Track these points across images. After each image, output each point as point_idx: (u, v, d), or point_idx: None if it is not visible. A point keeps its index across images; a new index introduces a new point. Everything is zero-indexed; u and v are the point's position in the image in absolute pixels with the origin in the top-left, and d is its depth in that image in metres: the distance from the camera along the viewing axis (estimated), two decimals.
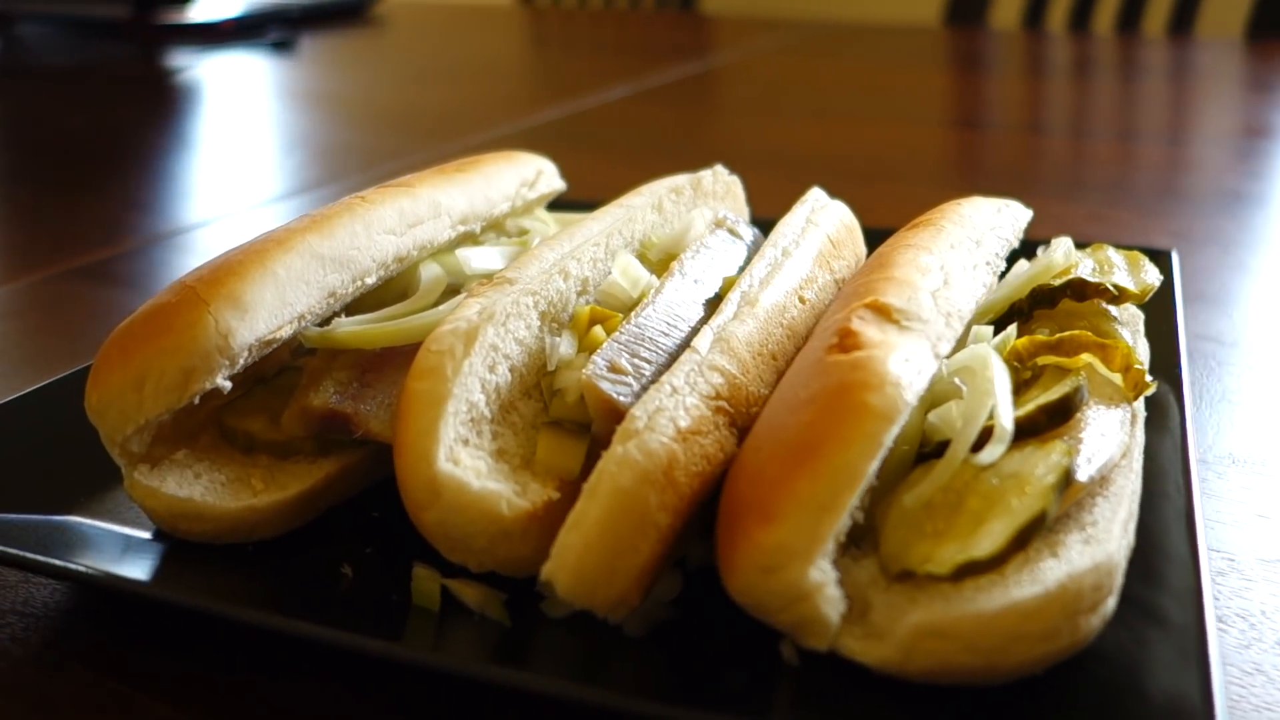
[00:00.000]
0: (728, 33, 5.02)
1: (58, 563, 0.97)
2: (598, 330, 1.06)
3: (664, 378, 0.98)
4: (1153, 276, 1.22)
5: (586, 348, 1.06)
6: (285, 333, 1.08)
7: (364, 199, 1.22)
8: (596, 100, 3.34)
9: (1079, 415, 0.97)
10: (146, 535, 1.09)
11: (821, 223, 1.29)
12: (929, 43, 4.63)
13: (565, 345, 1.05)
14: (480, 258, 1.27)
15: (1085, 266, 1.21)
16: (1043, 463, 0.88)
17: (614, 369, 1.01)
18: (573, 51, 4.80)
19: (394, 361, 1.15)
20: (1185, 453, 1.08)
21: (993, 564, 0.82)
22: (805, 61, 4.17)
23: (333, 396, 1.09)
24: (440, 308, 1.18)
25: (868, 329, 0.92)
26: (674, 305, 1.12)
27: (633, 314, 1.08)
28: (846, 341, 0.91)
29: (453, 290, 1.25)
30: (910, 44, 4.55)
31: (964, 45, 4.54)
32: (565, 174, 1.64)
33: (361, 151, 2.83)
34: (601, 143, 2.96)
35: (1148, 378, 1.05)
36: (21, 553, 0.98)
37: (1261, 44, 4.02)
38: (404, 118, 3.30)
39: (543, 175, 1.50)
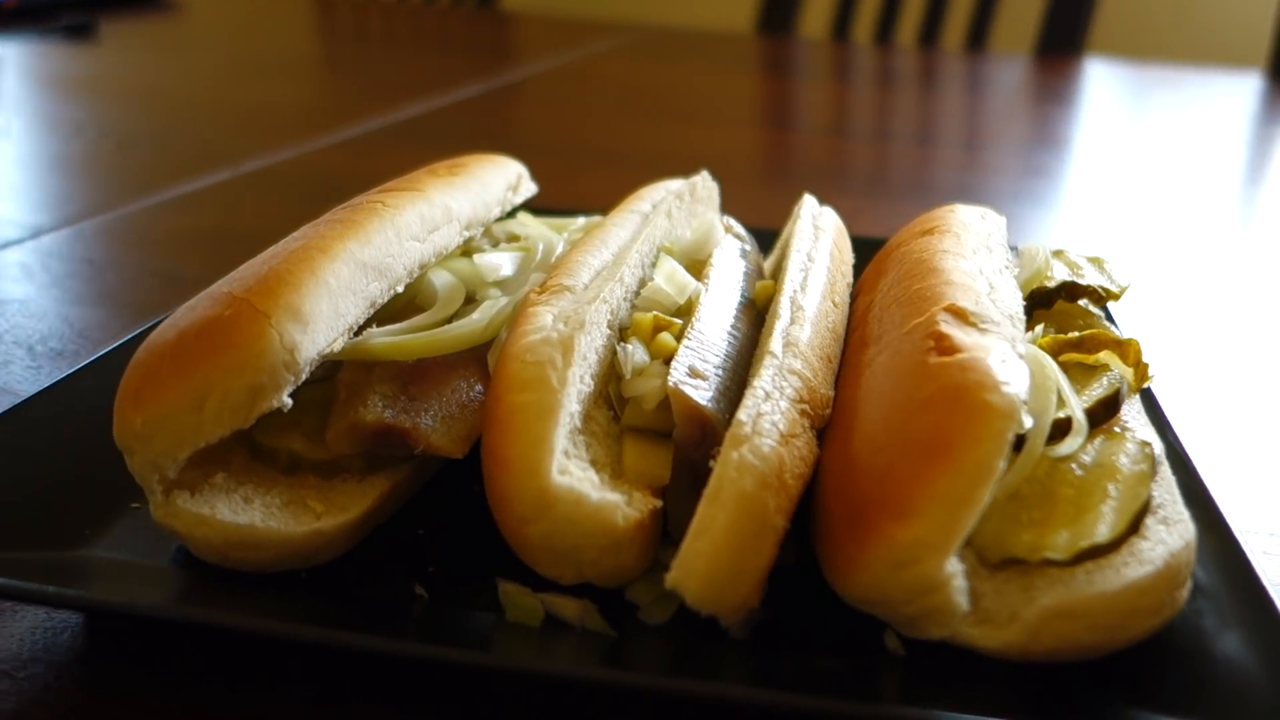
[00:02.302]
0: (544, 34, 5.02)
1: (152, 603, 0.90)
2: (665, 337, 1.07)
3: (755, 382, 1.00)
4: (1123, 276, 1.33)
5: (656, 355, 1.06)
6: (338, 345, 1.03)
7: (384, 203, 1.17)
8: (445, 99, 3.28)
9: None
10: (178, 566, 1.02)
11: (825, 228, 1.34)
12: (744, 49, 4.79)
13: (640, 353, 1.05)
14: (497, 265, 1.24)
15: (1060, 270, 1.31)
16: (1122, 452, 0.96)
17: (694, 374, 1.02)
18: (386, 47, 4.67)
19: (432, 372, 1.12)
20: (1173, 435, 1.18)
21: (1111, 548, 0.88)
22: (635, 64, 4.24)
23: (385, 411, 1.05)
24: (474, 316, 1.15)
25: (955, 332, 0.97)
26: (722, 310, 1.14)
27: (693, 319, 1.09)
28: (943, 345, 0.95)
29: (469, 298, 1.22)
30: (727, 50, 4.69)
31: (776, 53, 4.73)
32: None
33: (212, 150, 2.66)
34: (469, 141, 2.91)
35: (1150, 371, 1.15)
36: (78, 593, 0.91)
37: (1049, 59, 4.39)
38: (245, 114, 3.12)
39: (522, 179, 1.48)
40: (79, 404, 1.19)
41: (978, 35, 4.53)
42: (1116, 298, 1.29)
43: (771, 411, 0.97)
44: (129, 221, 2.10)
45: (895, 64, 4.54)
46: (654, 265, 1.22)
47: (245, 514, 0.98)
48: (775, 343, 1.06)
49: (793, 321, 1.10)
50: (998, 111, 3.96)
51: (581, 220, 1.45)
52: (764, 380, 1.00)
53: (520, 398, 0.94)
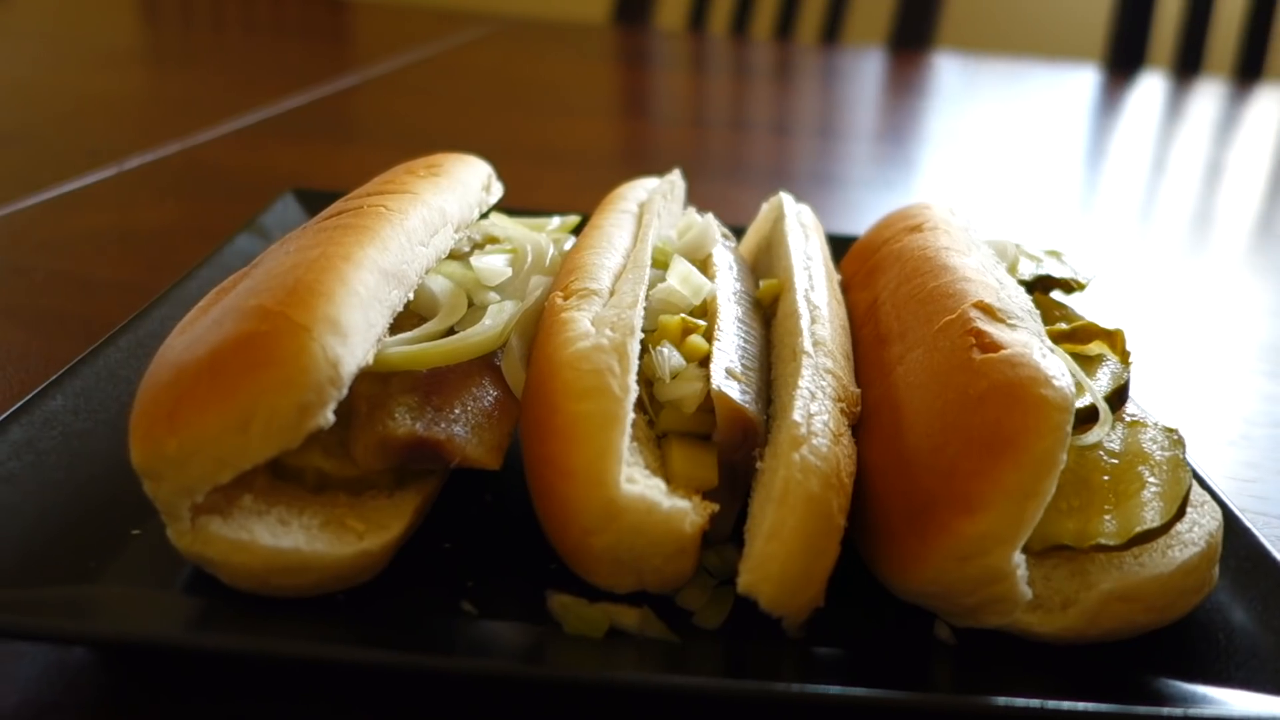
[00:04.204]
0: (402, 24, 4.89)
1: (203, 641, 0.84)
2: (696, 339, 1.06)
3: (799, 382, 1.01)
4: (1083, 268, 1.40)
5: (688, 357, 1.05)
6: (371, 357, 0.99)
7: (387, 207, 1.12)
8: (320, 90, 3.16)
9: None
10: (204, 594, 0.96)
11: (809, 224, 1.36)
12: (602, 41, 4.79)
13: (675, 356, 1.04)
14: (499, 269, 1.21)
15: (1025, 263, 1.37)
16: (1148, 438, 1.01)
17: (731, 376, 1.03)
18: (219, 33, 4.45)
19: (450, 381, 1.08)
20: None
21: (1160, 531, 0.93)
22: (500, 56, 4.18)
23: (415, 424, 1.01)
24: (486, 322, 1.12)
25: (990, 329, 1.00)
26: (739, 310, 1.14)
27: (717, 321, 1.09)
28: (983, 341, 0.98)
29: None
30: (586, 41, 4.68)
31: (634, 44, 4.75)
32: (342, 167, 1.50)
33: (91, 146, 2.47)
34: (354, 134, 2.84)
35: (1131, 359, 1.22)
36: (113, 630, 0.84)
37: (901, 52, 4.56)
38: (114, 107, 2.92)
39: (492, 179, 1.44)
40: (53, 426, 1.11)
41: (832, 29, 4.66)
42: (1083, 288, 1.35)
43: (819, 411, 0.98)
44: (19, 223, 1.94)
45: (751, 56, 4.63)
46: (653, 266, 1.21)
47: (286, 537, 0.93)
48: (805, 341, 1.07)
49: (813, 320, 1.12)
50: (853, 102, 4.10)
51: (556, 220, 1.43)
52: (805, 380, 1.01)
53: (582, 407, 0.92)
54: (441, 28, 4.51)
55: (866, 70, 4.49)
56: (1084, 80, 4.36)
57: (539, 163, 2.61)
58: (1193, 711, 0.84)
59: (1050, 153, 3.28)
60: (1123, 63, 4.40)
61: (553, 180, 2.47)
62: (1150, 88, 4.26)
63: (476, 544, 1.07)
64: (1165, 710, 0.84)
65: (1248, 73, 4.39)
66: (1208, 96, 4.17)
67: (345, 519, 0.97)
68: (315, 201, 1.77)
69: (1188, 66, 4.41)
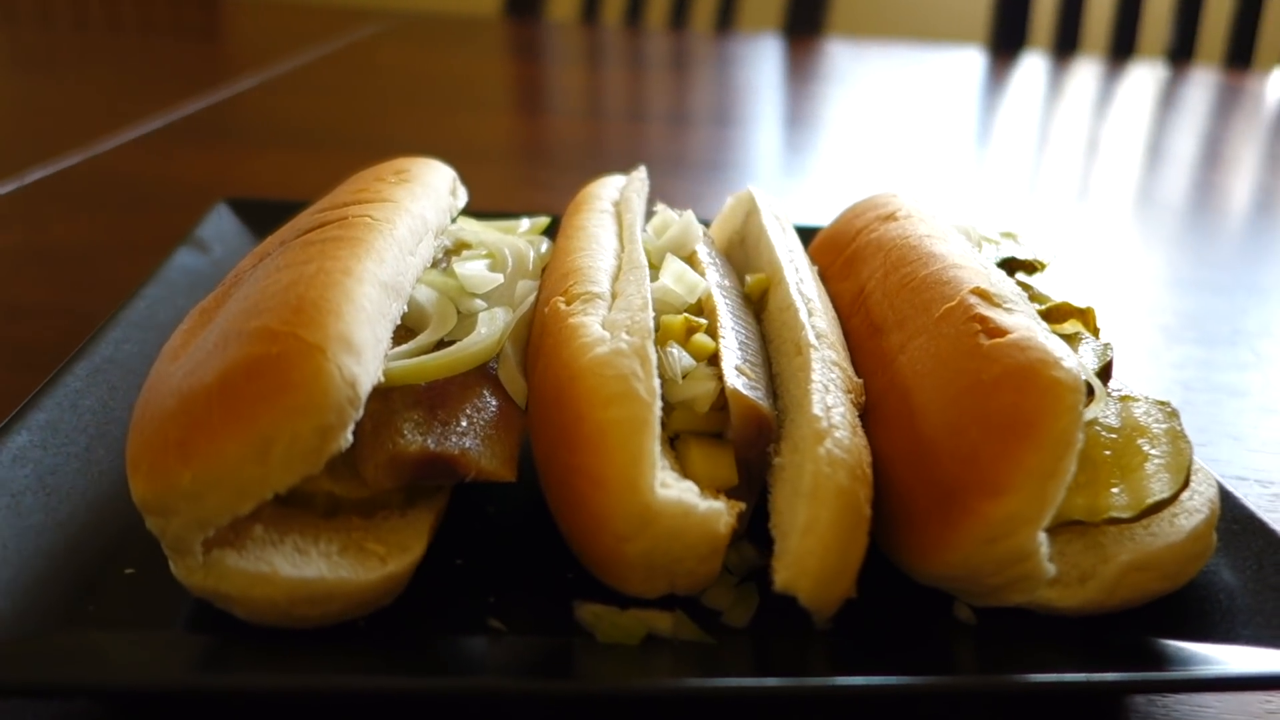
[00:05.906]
0: (295, 21, 4.75)
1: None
2: (701, 338, 1.06)
3: (812, 376, 1.01)
4: (1046, 248, 1.43)
5: (696, 356, 1.05)
6: (381, 374, 0.95)
7: (372, 217, 1.08)
8: (222, 93, 3.05)
9: None
10: (220, 631, 0.92)
11: (782, 217, 1.36)
12: (495, 34, 4.74)
13: (685, 356, 1.03)
14: (486, 276, 1.18)
15: (986, 247, 1.40)
16: (1143, 412, 1.05)
17: (741, 373, 1.03)
18: (80, 32, 4.27)
19: (451, 393, 1.06)
20: None
21: (1169, 502, 0.97)
22: (397, 51, 4.10)
23: (426, 440, 0.98)
24: (481, 331, 1.10)
25: (991, 314, 1.02)
26: (735, 306, 1.14)
27: (718, 318, 1.09)
28: (988, 326, 1.00)
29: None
30: (480, 34, 4.63)
31: (528, 37, 4.71)
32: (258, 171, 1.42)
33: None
34: (262, 136, 2.74)
35: (1102, 336, 1.26)
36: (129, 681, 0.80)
37: (794, 38, 4.62)
38: (3, 114, 2.78)
39: (456, 183, 1.41)
40: (23, 463, 1.04)
41: (725, 17, 4.70)
42: (1044, 268, 1.39)
43: (835, 404, 0.99)
44: None
45: (646, 46, 4.63)
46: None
47: (307, 566, 0.89)
48: (808, 334, 1.07)
49: (810, 313, 1.12)
50: (749, 90, 4.14)
51: (526, 222, 1.40)
52: (816, 373, 1.02)
53: (609, 413, 0.91)
54: (331, 25, 4.39)
55: (761, 57, 4.54)
56: (970, 61, 4.48)
57: (452, 160, 2.57)
58: (1224, 670, 0.88)
59: (942, 131, 3.37)
60: (1005, 44, 4.54)
61: (468, 178, 2.43)
62: (1032, 67, 4.41)
63: (489, 558, 1.05)
64: (1197, 671, 0.87)
65: (1120, 51, 4.58)
66: (1085, 74, 4.34)
67: (364, 542, 0.94)
68: (251, 211, 1.71)
69: (1066, 46, 4.57)
